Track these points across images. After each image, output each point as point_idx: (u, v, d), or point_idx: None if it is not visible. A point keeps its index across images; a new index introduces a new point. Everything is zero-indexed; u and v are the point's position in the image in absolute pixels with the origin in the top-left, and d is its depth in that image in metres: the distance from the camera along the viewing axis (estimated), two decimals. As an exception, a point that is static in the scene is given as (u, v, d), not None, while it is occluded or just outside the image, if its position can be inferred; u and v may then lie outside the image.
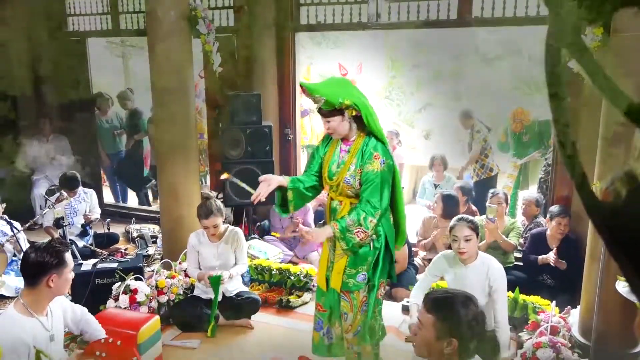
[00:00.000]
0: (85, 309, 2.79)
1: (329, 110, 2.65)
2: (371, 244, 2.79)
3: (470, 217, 3.22)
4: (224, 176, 2.90)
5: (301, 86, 2.73)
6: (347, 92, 2.65)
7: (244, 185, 2.78)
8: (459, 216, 3.22)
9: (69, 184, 5.06)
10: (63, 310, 2.64)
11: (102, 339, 2.69)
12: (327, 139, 2.93)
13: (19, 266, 4.19)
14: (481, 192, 5.24)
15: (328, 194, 2.97)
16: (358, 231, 2.65)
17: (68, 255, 2.45)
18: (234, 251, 3.77)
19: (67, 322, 2.66)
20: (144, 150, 6.92)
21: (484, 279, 3.02)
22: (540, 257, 4.09)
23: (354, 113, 2.66)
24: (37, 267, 2.36)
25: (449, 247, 4.53)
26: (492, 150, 5.81)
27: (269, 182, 2.75)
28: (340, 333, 3.01)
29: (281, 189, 2.84)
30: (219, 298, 3.66)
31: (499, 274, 3.04)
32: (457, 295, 1.88)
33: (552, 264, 3.99)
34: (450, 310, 1.82)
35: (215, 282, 3.56)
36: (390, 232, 2.90)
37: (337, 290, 2.88)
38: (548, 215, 4.25)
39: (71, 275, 2.49)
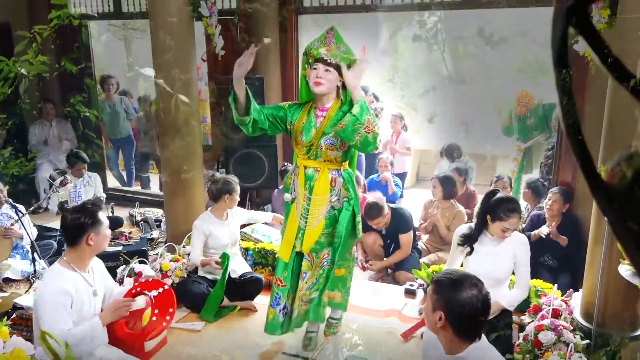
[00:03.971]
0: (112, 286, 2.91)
1: (330, 63, 2.69)
2: (342, 205, 2.89)
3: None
4: (267, 40, 3.00)
5: (331, 29, 2.80)
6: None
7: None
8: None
9: (74, 160, 5.10)
10: (103, 272, 2.80)
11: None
12: (296, 105, 2.92)
13: (27, 249, 4.23)
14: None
15: (297, 164, 2.91)
16: (369, 121, 2.58)
17: (102, 214, 2.62)
18: (239, 227, 4.01)
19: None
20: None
21: (510, 251, 3.01)
22: (532, 232, 4.09)
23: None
24: (75, 229, 2.54)
25: (448, 229, 4.55)
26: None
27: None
28: (293, 304, 3.06)
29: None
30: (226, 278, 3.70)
31: (521, 240, 3.06)
32: (462, 275, 1.88)
33: (543, 235, 4.03)
34: (446, 284, 1.83)
35: (226, 259, 3.65)
36: (356, 198, 2.97)
37: (308, 251, 2.95)
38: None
39: (108, 232, 2.66)
